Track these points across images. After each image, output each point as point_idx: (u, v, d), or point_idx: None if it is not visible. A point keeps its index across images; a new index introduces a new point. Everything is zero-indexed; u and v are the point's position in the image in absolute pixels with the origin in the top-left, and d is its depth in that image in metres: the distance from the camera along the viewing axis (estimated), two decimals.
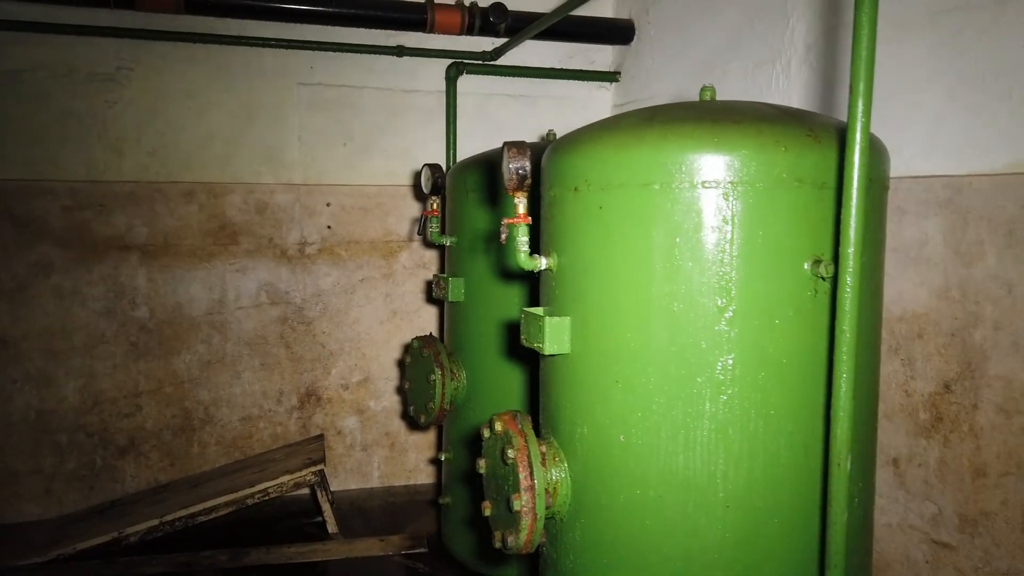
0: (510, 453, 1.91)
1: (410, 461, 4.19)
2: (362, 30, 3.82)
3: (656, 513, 1.78)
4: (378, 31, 3.85)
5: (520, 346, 2.85)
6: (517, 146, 1.93)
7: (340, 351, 4.04)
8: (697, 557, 1.77)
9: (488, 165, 3.08)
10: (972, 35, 2.15)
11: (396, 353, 4.13)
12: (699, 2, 3.46)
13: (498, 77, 4.15)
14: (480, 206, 3.00)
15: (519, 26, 3.83)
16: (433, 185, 3.10)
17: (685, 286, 1.71)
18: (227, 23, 3.68)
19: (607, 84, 4.32)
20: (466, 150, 4.03)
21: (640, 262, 1.75)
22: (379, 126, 4.03)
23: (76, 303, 3.64)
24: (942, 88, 2.22)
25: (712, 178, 1.67)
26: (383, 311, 4.10)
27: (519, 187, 1.95)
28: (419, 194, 4.09)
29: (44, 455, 3.65)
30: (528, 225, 1.99)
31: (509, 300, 2.89)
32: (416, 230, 4.02)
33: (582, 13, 3.57)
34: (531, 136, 4.12)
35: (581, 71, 4.23)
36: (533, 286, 2.84)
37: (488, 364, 2.99)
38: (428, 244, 4.02)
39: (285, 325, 3.95)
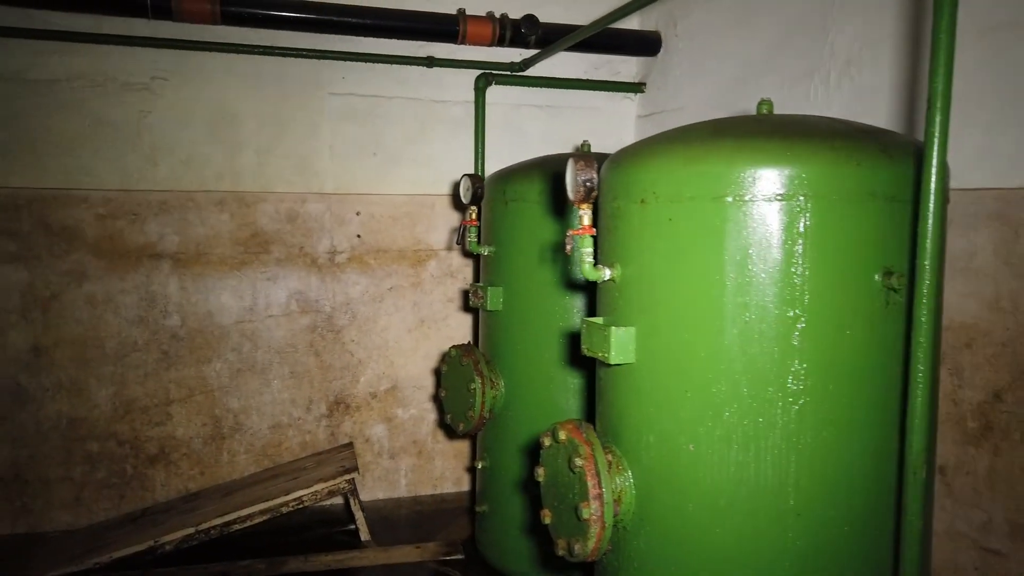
0: (577, 461, 1.93)
1: (437, 469, 4.20)
2: (393, 41, 3.85)
3: (726, 521, 1.81)
4: (409, 42, 3.88)
5: (564, 354, 2.91)
6: (584, 158, 1.96)
7: (368, 359, 4.06)
8: (767, 564, 1.79)
9: (526, 175, 3.11)
10: (1021, 51, 2.20)
11: (424, 361, 4.15)
12: (731, 15, 3.51)
13: (525, 88, 4.18)
14: (519, 216, 3.02)
15: (549, 38, 3.88)
16: (473, 195, 3.13)
17: (757, 297, 1.74)
18: (260, 33, 3.70)
19: (631, 95, 4.36)
20: (494, 160, 4.07)
21: (712, 274, 1.78)
22: (408, 136, 4.06)
23: (108, 311, 3.65)
24: (992, 102, 2.26)
25: (786, 191, 1.70)
26: (411, 319, 4.12)
27: (585, 199, 1.98)
28: (457, 203, 4.12)
29: (75, 463, 3.64)
30: (593, 236, 2.02)
31: (551, 309, 2.91)
32: (455, 239, 4.04)
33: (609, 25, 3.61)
34: (558, 146, 4.16)
35: (607, 82, 4.27)
36: (576, 295, 2.87)
37: (528, 372, 3.01)
38: (466, 253, 4.04)
39: (315, 333, 3.96)
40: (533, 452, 2.91)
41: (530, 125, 4.24)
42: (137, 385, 3.71)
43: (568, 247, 2.03)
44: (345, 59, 3.84)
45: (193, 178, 3.74)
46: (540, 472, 2.19)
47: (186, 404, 3.78)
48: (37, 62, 3.50)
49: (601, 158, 3.13)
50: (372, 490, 4.08)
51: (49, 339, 3.57)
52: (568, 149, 4.17)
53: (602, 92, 4.31)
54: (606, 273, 2.01)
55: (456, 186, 4.08)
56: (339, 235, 3.98)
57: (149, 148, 3.68)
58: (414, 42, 3.89)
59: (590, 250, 2.00)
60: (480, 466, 3.29)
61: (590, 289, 2.83)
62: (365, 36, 3.76)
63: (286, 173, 3.88)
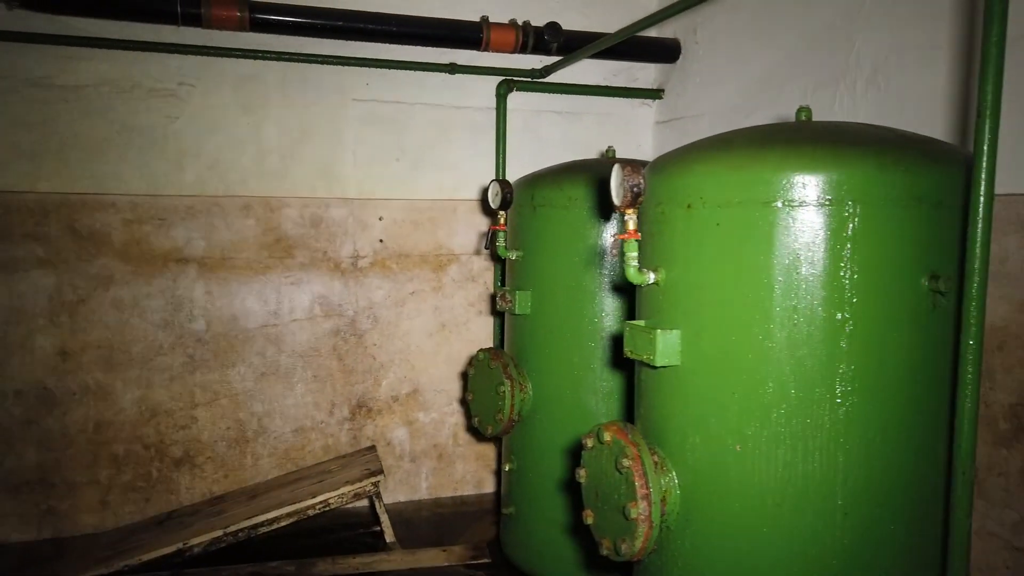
0: (624, 462, 1.96)
1: (457, 472, 4.23)
2: (415, 47, 3.88)
3: (774, 521, 1.84)
4: (432, 48, 3.92)
5: (593, 357, 2.94)
6: (631, 164, 2.00)
7: (390, 363, 4.09)
8: (814, 563, 1.83)
9: (554, 180, 3.15)
10: None
11: (445, 365, 4.17)
12: (753, 23, 3.56)
13: (545, 94, 4.23)
14: (548, 220, 3.06)
15: (571, 45, 3.92)
16: (502, 200, 3.17)
17: (806, 300, 1.78)
18: (285, 40, 3.74)
19: (649, 101, 4.40)
20: (514, 165, 4.12)
21: (761, 277, 1.81)
22: (430, 141, 4.10)
23: (135, 315, 3.67)
24: (1021, 109, 2.31)
25: (834, 196, 1.74)
26: (432, 323, 4.15)
27: (632, 204, 2.02)
28: (481, 209, 4.15)
29: (101, 466, 3.66)
30: (638, 241, 2.06)
31: (581, 313, 2.94)
32: (484, 244, 4.08)
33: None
34: (577, 151, 4.20)
35: (626, 88, 4.32)
36: (607, 299, 2.90)
37: (556, 375, 3.04)
38: (496, 258, 4.06)
39: (338, 337, 3.99)
40: (570, 454, 2.94)
41: (550, 131, 4.28)
42: (162, 389, 3.73)
43: (614, 251, 2.06)
44: (369, 65, 3.88)
45: (219, 183, 3.77)
46: (582, 473, 2.22)
47: (211, 408, 3.80)
48: (66, 68, 3.53)
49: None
50: (393, 493, 4.11)
51: (76, 343, 3.60)
52: (587, 155, 4.21)
53: (620, 99, 4.36)
54: (650, 277, 2.05)
55: (484, 191, 4.12)
56: (362, 240, 4.01)
57: (176, 153, 3.70)
58: (436, 48, 3.93)
59: (636, 254, 2.04)
60: (507, 468, 3.32)
61: (624, 292, 2.87)
62: (389, 43, 3.80)
63: (310, 178, 3.91)
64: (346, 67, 3.87)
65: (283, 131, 3.85)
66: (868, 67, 2.86)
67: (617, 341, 2.89)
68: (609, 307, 2.90)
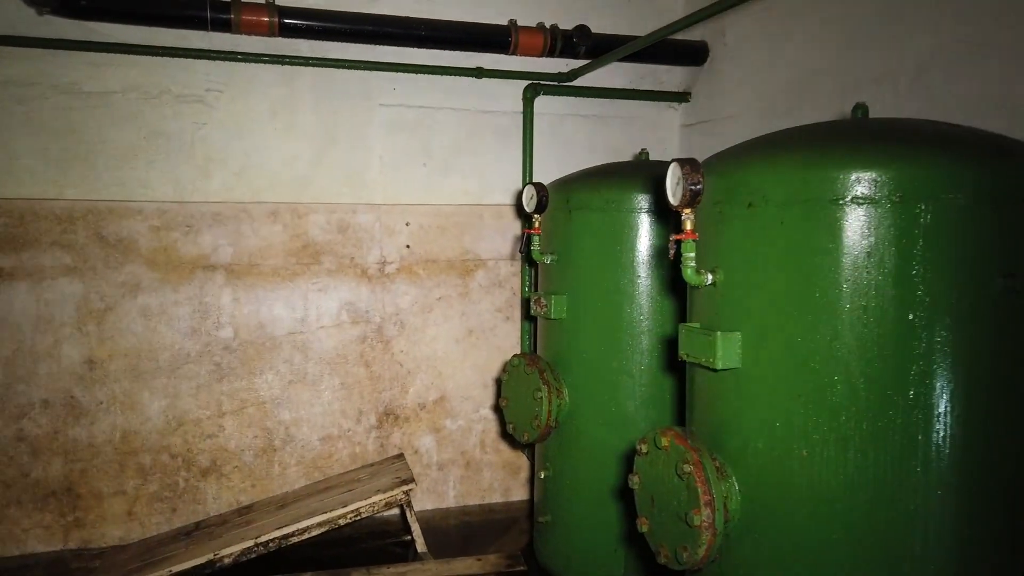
0: (686, 467, 1.92)
1: (485, 480, 4.18)
2: (442, 52, 3.86)
3: (845, 526, 1.79)
4: (458, 53, 3.89)
5: (632, 362, 2.89)
6: (690, 163, 1.96)
7: (417, 370, 4.04)
8: (885, 568, 1.77)
9: (589, 183, 3.11)
10: None
11: (472, 372, 4.13)
12: (785, 24, 3.53)
13: (571, 97, 4.20)
14: (583, 224, 3.02)
15: (598, 49, 3.90)
16: (538, 203, 3.13)
17: (876, 300, 1.73)
18: (311, 45, 3.72)
19: (675, 104, 4.37)
20: (541, 169, 4.09)
21: (828, 277, 1.77)
22: (456, 146, 4.07)
23: (162, 323, 3.63)
24: None
25: (905, 194, 1.70)
26: (459, 330, 4.10)
27: (691, 203, 1.98)
28: (513, 213, 4.11)
29: (128, 476, 3.61)
30: (695, 241, 2.02)
31: (618, 316, 2.90)
32: (518, 248, 4.04)
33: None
34: (604, 155, 4.17)
35: (653, 92, 4.29)
36: (646, 302, 2.86)
37: (594, 380, 3.00)
38: (530, 262, 4.01)
39: (364, 344, 3.94)
40: (616, 460, 2.88)
41: (575, 135, 4.25)
42: (190, 397, 3.68)
43: (672, 252, 2.02)
44: (395, 70, 3.85)
45: (246, 189, 3.74)
46: (635, 479, 2.18)
47: (238, 416, 3.75)
48: (94, 74, 3.50)
49: (656, 165, 3.15)
50: (421, 501, 4.05)
51: (103, 352, 3.56)
52: (614, 158, 4.17)
53: (645, 102, 4.33)
54: (708, 278, 2.01)
55: (517, 195, 4.08)
56: (388, 245, 3.97)
57: (203, 160, 3.67)
58: (463, 53, 3.90)
59: (693, 255, 2.00)
60: (542, 476, 3.27)
61: (668, 295, 2.82)
62: (417, 47, 3.78)
63: (337, 184, 3.88)
64: (373, 72, 3.85)
65: (310, 136, 3.82)
66: (912, 65, 2.82)
67: (659, 344, 2.85)
68: (650, 310, 2.86)
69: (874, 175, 1.72)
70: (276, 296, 3.80)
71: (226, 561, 3.21)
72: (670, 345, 2.64)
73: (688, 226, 1.99)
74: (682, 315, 2.33)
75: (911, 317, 1.72)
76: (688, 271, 1.99)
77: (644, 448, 2.12)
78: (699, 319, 2.12)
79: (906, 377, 1.73)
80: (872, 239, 1.72)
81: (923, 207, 1.70)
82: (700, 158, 2.13)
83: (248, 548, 3.24)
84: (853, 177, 1.73)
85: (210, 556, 3.20)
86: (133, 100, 3.56)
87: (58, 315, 3.49)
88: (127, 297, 3.58)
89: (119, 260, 3.57)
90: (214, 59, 3.60)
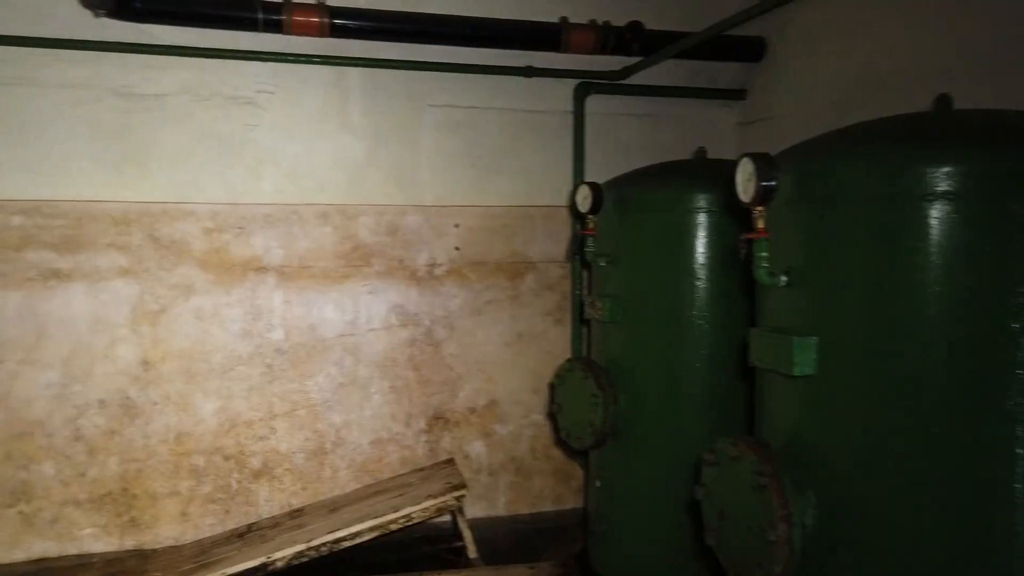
0: (761, 480, 1.82)
1: (535, 487, 4.10)
2: (491, 51, 3.80)
3: (934, 542, 1.67)
4: (507, 51, 3.83)
5: (690, 367, 2.79)
6: (763, 158, 1.87)
7: (467, 374, 3.99)
8: None
9: (644, 182, 3.03)
10: None
11: (522, 376, 4.06)
12: (848, 18, 3.39)
13: (623, 96, 4.11)
14: (639, 224, 2.93)
15: (652, 45, 3.80)
16: (593, 204, 3.05)
17: (972, 304, 1.61)
18: (362, 45, 3.69)
19: (729, 102, 4.24)
20: (593, 169, 4.00)
21: (918, 278, 1.66)
22: (505, 147, 4.01)
23: (215, 325, 3.64)
24: None
25: (997, 189, 1.58)
26: (509, 333, 4.04)
27: (763, 201, 1.88)
28: (573, 213, 4.01)
29: (182, 477, 3.63)
30: (768, 240, 1.92)
31: (679, 319, 2.80)
32: (571, 250, 3.97)
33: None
34: (656, 154, 4.02)
35: (708, 89, 4.17)
36: (706, 305, 2.76)
37: (651, 386, 2.90)
38: (585, 264, 3.92)
39: (414, 347, 3.90)
40: (676, 469, 2.77)
41: (627, 133, 4.16)
42: (242, 399, 3.69)
43: (742, 252, 1.93)
44: (444, 70, 3.81)
45: (296, 191, 3.73)
46: (702, 491, 2.08)
47: (289, 418, 3.75)
48: (148, 77, 3.53)
49: (716, 163, 3.04)
50: (471, 507, 3.98)
51: (158, 353, 3.58)
52: (667, 158, 4.03)
53: (698, 100, 4.21)
54: (782, 279, 1.91)
55: (571, 196, 3.99)
56: (438, 247, 3.93)
57: (254, 161, 3.68)
58: (512, 51, 3.84)
59: (766, 255, 1.90)
60: (597, 484, 3.18)
61: (731, 297, 2.71)
62: (467, 46, 3.73)
63: (386, 185, 3.85)
64: (421, 72, 3.81)
65: (359, 138, 3.79)
66: (995, 56, 2.67)
67: (724, 349, 2.74)
68: (713, 313, 2.75)
69: (965, 170, 1.60)
70: (326, 298, 3.78)
71: (279, 564, 3.20)
72: (736, 350, 2.53)
73: (760, 224, 1.90)
74: (750, 319, 2.22)
75: (1015, 326, 1.59)
76: (761, 272, 1.89)
77: (712, 458, 2.03)
78: (771, 323, 2.02)
79: (1007, 388, 1.60)
80: (965, 238, 1.61)
81: (1017, 203, 1.58)
82: None
83: (300, 552, 3.22)
84: (944, 171, 1.61)
85: (263, 559, 3.19)
86: (186, 102, 3.58)
87: (114, 316, 3.53)
88: (180, 298, 3.60)
89: (173, 262, 3.59)
90: (265, 60, 3.60)
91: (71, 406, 3.49)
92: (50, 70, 3.40)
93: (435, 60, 3.78)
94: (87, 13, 3.33)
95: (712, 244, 2.74)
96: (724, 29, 3.17)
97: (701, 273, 2.75)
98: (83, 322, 3.48)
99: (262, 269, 3.70)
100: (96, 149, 3.48)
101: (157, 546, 3.59)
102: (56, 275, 3.45)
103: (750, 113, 4.16)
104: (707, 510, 2.07)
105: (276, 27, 3.40)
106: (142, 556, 3.50)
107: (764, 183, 1.84)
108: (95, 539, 3.54)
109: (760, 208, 1.89)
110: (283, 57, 3.60)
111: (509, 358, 4.04)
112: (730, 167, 2.02)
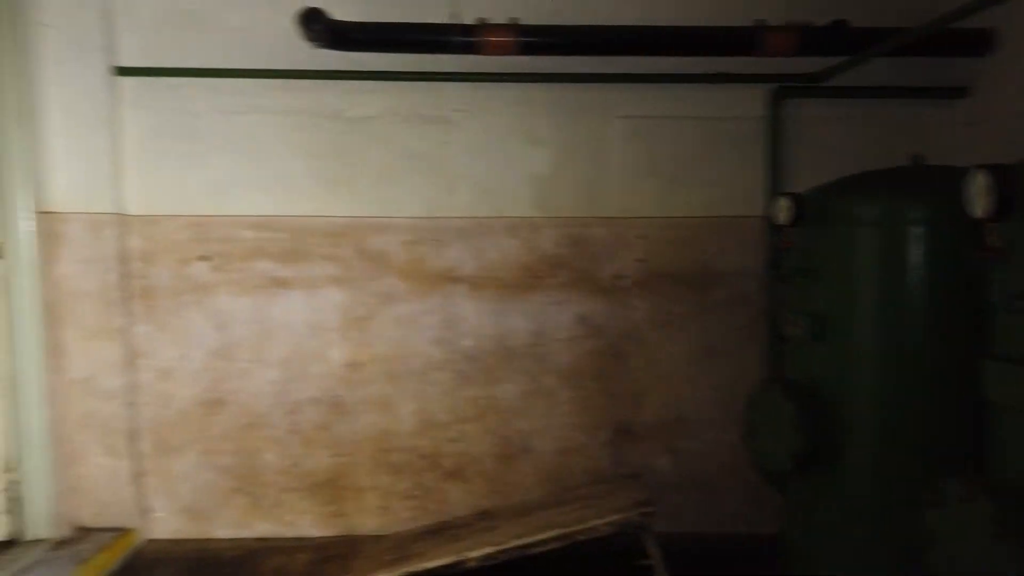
0: (1002, 528, 1.63)
1: (724, 508, 3.97)
2: (681, 59, 3.73)
3: None
4: (698, 59, 3.73)
5: (904, 391, 2.57)
6: (1001, 169, 1.68)
7: (652, 387, 3.94)
8: None
9: (852, 193, 2.83)
10: None
11: (711, 392, 3.94)
12: None
13: (822, 99, 3.87)
14: (847, 237, 2.74)
15: (857, 44, 3.54)
16: (794, 215, 2.90)
17: None
18: (549, 60, 3.75)
19: (948, 102, 3.85)
20: (789, 178, 3.81)
21: None
22: (693, 156, 3.92)
23: (413, 331, 3.88)
24: None
25: None
26: (697, 347, 3.94)
27: (1000, 216, 1.70)
28: (770, 225, 3.85)
29: (382, 473, 3.90)
30: (1004, 259, 1.73)
31: (891, 340, 2.59)
32: (767, 263, 3.82)
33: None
34: (861, 161, 3.76)
35: (923, 88, 3.83)
36: (930, 324, 2.53)
37: (860, 410, 2.70)
38: (779, 278, 3.77)
39: (599, 359, 3.92)
40: (895, 503, 2.57)
41: (828, 139, 3.90)
42: (436, 402, 3.89)
43: (975, 269, 1.75)
44: (634, 80, 3.80)
45: (487, 205, 3.88)
46: (925, 534, 1.91)
47: (479, 423, 3.90)
48: (356, 100, 3.82)
49: (936, 171, 2.77)
50: (655, 523, 3.93)
51: (364, 355, 3.87)
52: (874, 164, 3.74)
53: (909, 100, 3.87)
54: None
55: (764, 207, 3.81)
56: (623, 259, 3.92)
57: (448, 177, 3.87)
58: (703, 58, 3.74)
59: (1003, 275, 1.71)
60: (795, 512, 3.01)
61: (954, 319, 2.47)
62: (655, 55, 3.69)
63: (573, 198, 3.90)
64: (609, 84, 3.82)
65: (547, 151, 3.88)
66: None
67: (942, 375, 2.50)
68: (931, 337, 2.52)
69: None
70: (513, 308, 3.89)
71: (470, 564, 3.33)
72: (957, 377, 2.30)
73: (993, 241, 1.71)
74: (976, 344, 2.00)
75: None
76: (994, 293, 1.70)
77: (937, 499, 1.85)
78: (1009, 352, 1.81)
79: None
80: None
81: None
82: (983, 162, 1.82)
83: (490, 554, 3.32)
84: None
85: (457, 557, 3.33)
86: (388, 123, 3.84)
87: (326, 321, 3.86)
88: (383, 306, 3.87)
89: (377, 272, 3.86)
90: (457, 80, 3.77)
91: (289, 402, 3.86)
92: (274, 98, 3.79)
93: (624, 71, 3.77)
94: (305, 46, 3.66)
95: (931, 261, 2.51)
96: (951, 21, 2.89)
97: (918, 292, 2.53)
98: (301, 326, 3.84)
99: (455, 280, 3.88)
100: (313, 169, 3.83)
101: (361, 534, 3.88)
102: (279, 283, 3.84)
103: (974, 113, 3.75)
104: (932, 557, 1.90)
105: (470, 48, 3.56)
106: (348, 543, 3.80)
107: (1001, 196, 1.66)
108: (308, 524, 3.90)
109: (994, 223, 1.70)
110: (476, 77, 3.76)
111: (697, 373, 3.94)
112: (951, 175, 1.84)
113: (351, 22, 3.48)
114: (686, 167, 3.92)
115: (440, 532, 3.72)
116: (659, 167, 3.92)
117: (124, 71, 3.64)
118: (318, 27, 3.31)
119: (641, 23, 3.63)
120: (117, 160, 3.70)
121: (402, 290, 3.88)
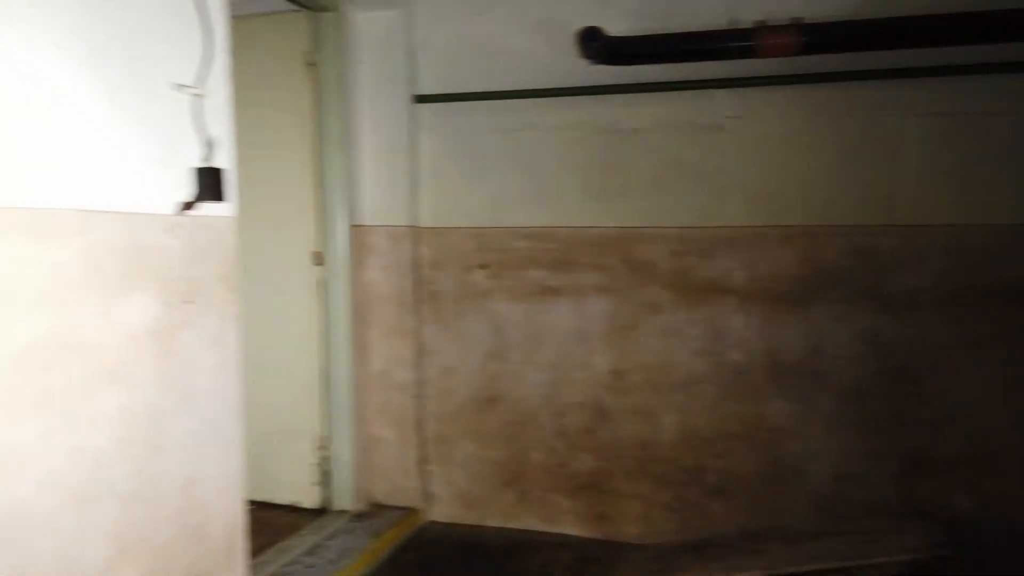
0: None
1: None
2: (984, 48, 3.28)
3: None
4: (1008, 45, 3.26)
5: None
6: None
7: (953, 416, 3.50)
8: None
9: None
10: None
11: None
12: None
13: None
14: None
15: None
16: None
17: None
18: (832, 59, 3.51)
19: None
20: None
21: None
22: (1001, 156, 3.42)
23: (676, 343, 3.85)
24: None
25: None
26: (1010, 373, 3.43)
27: None
28: None
29: (644, 482, 3.92)
30: None
31: None
32: None
33: None
34: None
35: None
36: None
37: None
38: None
39: (887, 380, 3.58)
40: None
41: None
42: (699, 416, 3.82)
43: None
44: (933, 75, 3.42)
45: (760, 213, 3.73)
46: None
47: (745, 440, 3.76)
48: (628, 113, 3.88)
49: None
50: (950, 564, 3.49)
51: (627, 364, 3.92)
52: None
53: None
54: None
55: None
56: (916, 271, 3.54)
57: (719, 186, 3.78)
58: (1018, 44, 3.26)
59: None
60: None
61: None
62: (958, 45, 3.29)
63: (857, 205, 3.60)
64: (903, 80, 3.47)
65: (827, 155, 3.63)
66: None
67: None
68: None
69: None
70: (787, 322, 3.70)
71: None
72: None
73: None
74: None
75: None
76: None
77: None
78: None
79: None
80: None
81: None
82: None
83: None
84: None
85: None
86: (658, 133, 3.85)
87: (592, 329, 3.97)
88: (647, 316, 3.89)
89: (641, 281, 3.89)
90: (735, 87, 3.68)
91: (557, 404, 4.03)
92: (547, 115, 3.98)
93: (918, 65, 3.42)
94: (578, 64, 3.81)
95: None
96: None
97: None
98: (569, 332, 4.00)
99: (723, 291, 3.78)
100: (583, 181, 3.97)
101: (620, 541, 3.93)
102: (549, 291, 4.03)
103: None
104: None
105: (749, 53, 3.45)
106: (608, 547, 3.87)
107: None
108: (570, 524, 4.03)
109: None
110: (754, 81, 3.64)
111: (1010, 402, 3.43)
112: None
113: (627, 37, 3.56)
114: (993, 168, 3.44)
115: (703, 549, 3.64)
116: (961, 169, 3.48)
117: (422, 98, 4.07)
118: (596, 44, 3.43)
119: (935, 11, 3.26)
120: (413, 178, 4.15)
121: (667, 300, 3.87)
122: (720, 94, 3.75)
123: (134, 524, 2.11)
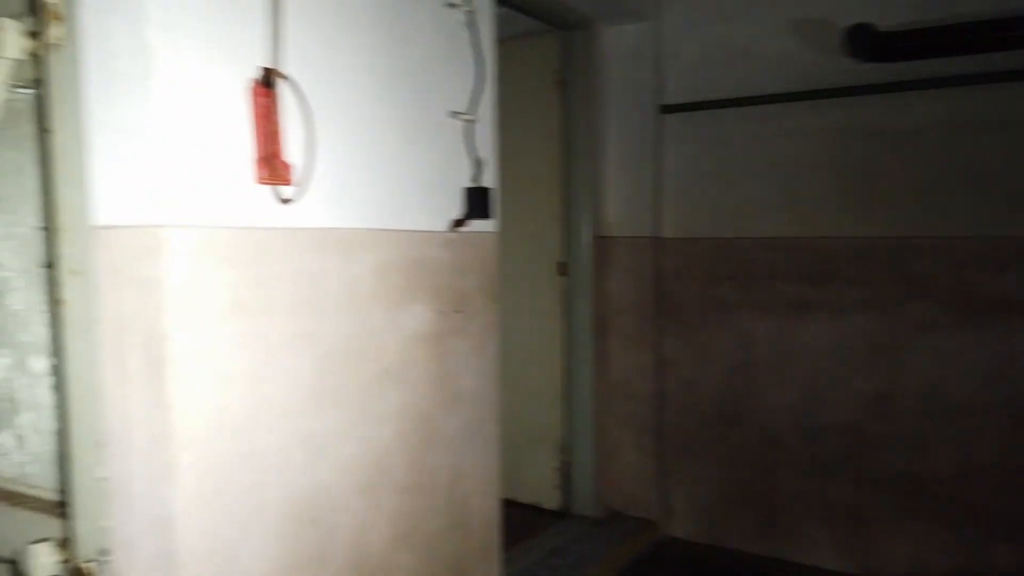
0: None
1: None
2: None
3: None
4: None
5: None
6: None
7: None
8: None
9: None
10: None
11: None
12: None
13: None
14: None
15: None
16: None
17: None
18: None
19: None
20: None
21: None
22: None
23: (956, 365, 3.43)
24: None
25: None
26: None
27: None
28: None
29: (911, 518, 3.53)
30: None
31: None
32: None
33: None
34: None
35: None
36: None
37: None
38: None
39: None
40: None
41: None
42: (985, 450, 3.37)
43: None
44: None
45: None
46: None
47: None
48: (894, 113, 3.53)
49: None
50: None
51: (891, 387, 3.57)
52: None
53: None
54: None
55: None
56: None
57: (1009, 190, 3.31)
58: None
59: None
60: None
61: None
62: None
63: None
64: None
65: None
66: None
67: None
68: None
69: None
70: None
71: None
72: None
73: None
74: None
75: None
76: None
77: None
78: None
79: None
80: None
81: None
82: None
83: None
84: None
85: None
86: (932, 135, 3.46)
87: (852, 347, 3.66)
88: (920, 334, 3.51)
89: (914, 296, 3.52)
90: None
91: (809, 426, 3.77)
92: (799, 119, 3.74)
93: None
94: (836, 63, 3.54)
95: None
96: None
97: None
98: (824, 350, 3.73)
99: (1014, 308, 3.30)
100: (842, 187, 3.67)
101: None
102: (802, 305, 3.78)
103: None
104: None
105: None
106: None
107: None
108: (825, 555, 3.75)
109: None
110: None
111: None
112: None
113: (900, 31, 3.25)
114: None
115: None
116: None
117: (668, 108, 4.04)
118: (865, 41, 3.17)
119: None
120: (657, 188, 4.12)
121: (946, 318, 3.46)
122: (1000, 89, 3.28)
123: (409, 513, 2.33)
